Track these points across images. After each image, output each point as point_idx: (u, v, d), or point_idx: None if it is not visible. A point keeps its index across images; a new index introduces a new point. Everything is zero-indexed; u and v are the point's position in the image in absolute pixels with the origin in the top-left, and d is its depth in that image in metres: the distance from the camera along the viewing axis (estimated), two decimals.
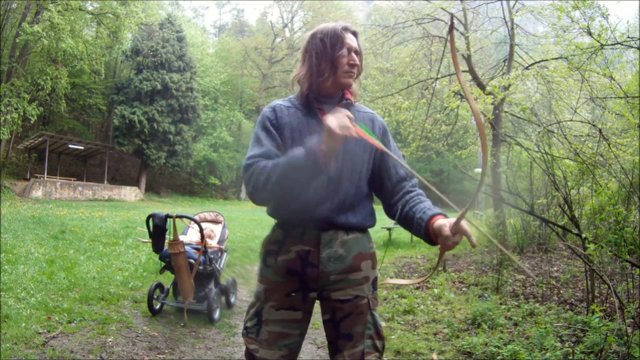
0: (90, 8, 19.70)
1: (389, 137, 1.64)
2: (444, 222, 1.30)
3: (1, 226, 7.66)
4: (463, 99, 7.90)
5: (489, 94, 5.61)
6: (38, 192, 17.75)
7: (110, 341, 3.22)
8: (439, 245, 1.33)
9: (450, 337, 3.70)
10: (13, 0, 18.32)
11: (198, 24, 43.24)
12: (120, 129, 23.31)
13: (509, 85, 6.73)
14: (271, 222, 1.62)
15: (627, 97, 5.05)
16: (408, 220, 1.48)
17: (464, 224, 1.24)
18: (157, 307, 3.99)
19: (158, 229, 3.68)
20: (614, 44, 4.68)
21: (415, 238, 10.44)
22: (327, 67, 1.50)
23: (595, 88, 6.35)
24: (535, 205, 6.24)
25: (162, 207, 20.13)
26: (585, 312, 3.76)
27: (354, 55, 1.52)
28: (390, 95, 10.32)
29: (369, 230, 1.60)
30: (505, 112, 8.73)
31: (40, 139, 19.46)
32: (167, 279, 4.42)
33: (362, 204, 1.54)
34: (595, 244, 3.10)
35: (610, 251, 3.11)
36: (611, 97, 5.89)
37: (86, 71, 20.38)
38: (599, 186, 3.70)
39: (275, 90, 34.25)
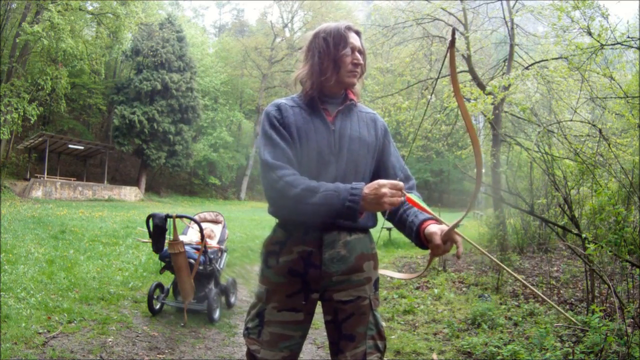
0: (90, 8, 19.69)
1: (389, 137, 1.65)
2: (435, 230, 1.32)
3: (1, 226, 7.66)
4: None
5: (489, 94, 5.62)
6: (38, 192, 17.74)
7: (110, 341, 3.22)
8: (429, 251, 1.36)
9: (450, 337, 3.70)
10: (13, 0, 18.31)
11: (198, 24, 43.26)
12: (120, 129, 23.30)
13: (509, 85, 6.74)
14: (271, 222, 1.61)
15: (627, 97, 5.05)
16: (402, 223, 1.49)
17: (454, 233, 1.27)
18: (157, 307, 3.99)
19: (158, 229, 3.68)
20: (614, 44, 4.68)
21: None
22: (330, 66, 1.49)
23: (595, 88, 6.36)
24: (535, 205, 6.24)
25: (162, 207, 20.13)
26: (585, 312, 3.76)
27: (357, 54, 1.52)
28: (390, 95, 10.32)
29: (371, 230, 1.60)
30: (505, 112, 8.73)
31: (40, 139, 19.45)
32: (167, 279, 4.42)
33: None
34: (595, 244, 3.10)
35: (610, 251, 3.11)
36: (611, 97, 5.89)
37: (86, 71, 20.37)
38: (599, 186, 3.70)
39: (275, 90, 34.23)
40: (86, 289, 4.31)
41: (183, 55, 25.47)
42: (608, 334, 2.77)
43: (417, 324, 4.12)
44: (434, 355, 3.30)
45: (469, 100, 6.27)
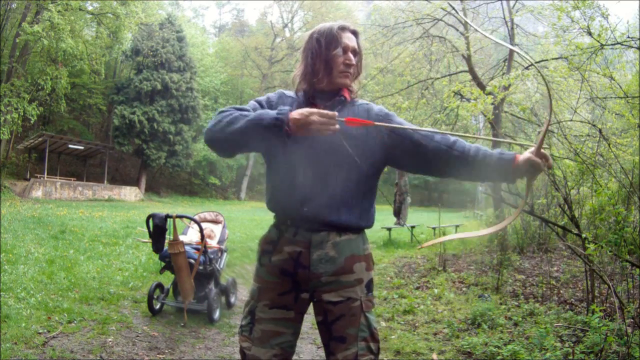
0: (90, 8, 19.69)
1: (394, 119, 1.55)
2: (527, 155, 1.39)
3: (1, 226, 7.66)
4: (463, 99, 7.91)
5: (489, 94, 5.62)
6: (38, 192, 17.74)
7: (110, 341, 3.22)
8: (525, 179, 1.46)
9: (450, 337, 3.70)
10: (13, 0, 18.32)
11: (198, 24, 43.25)
12: (120, 129, 23.30)
13: (509, 85, 6.73)
14: (271, 222, 1.62)
15: (627, 97, 5.05)
16: (486, 161, 1.45)
17: (541, 150, 1.37)
18: (157, 307, 3.99)
19: (158, 229, 3.68)
20: (614, 44, 4.68)
21: (415, 238, 10.47)
22: (322, 67, 1.49)
23: (595, 88, 6.35)
24: (535, 205, 6.25)
25: (162, 207, 20.12)
26: (585, 312, 3.76)
27: (350, 55, 1.51)
28: (390, 95, 10.31)
29: (367, 231, 1.57)
30: (505, 112, 8.74)
31: (40, 139, 19.45)
32: (167, 279, 4.42)
33: (359, 202, 1.50)
34: (595, 244, 3.10)
35: (610, 251, 3.11)
36: (611, 97, 5.89)
37: (86, 71, 20.36)
38: (599, 186, 3.70)
39: (275, 90, 34.17)
40: (86, 289, 4.31)
41: (183, 55, 25.47)
42: (608, 334, 2.77)
43: (417, 324, 4.12)
44: (434, 355, 3.30)
45: (468, 100, 6.27)
